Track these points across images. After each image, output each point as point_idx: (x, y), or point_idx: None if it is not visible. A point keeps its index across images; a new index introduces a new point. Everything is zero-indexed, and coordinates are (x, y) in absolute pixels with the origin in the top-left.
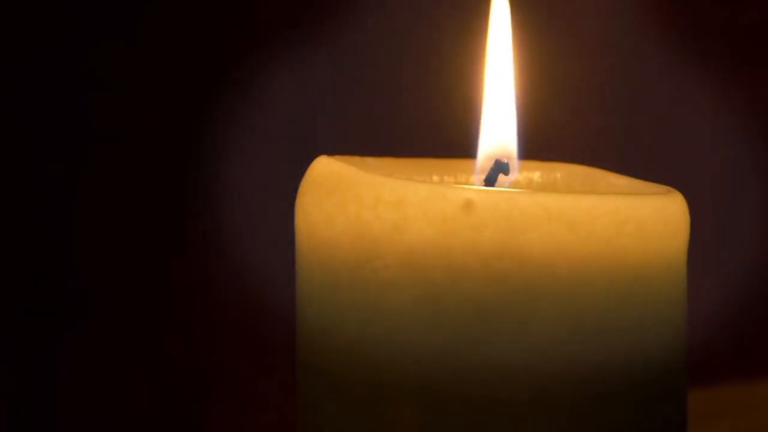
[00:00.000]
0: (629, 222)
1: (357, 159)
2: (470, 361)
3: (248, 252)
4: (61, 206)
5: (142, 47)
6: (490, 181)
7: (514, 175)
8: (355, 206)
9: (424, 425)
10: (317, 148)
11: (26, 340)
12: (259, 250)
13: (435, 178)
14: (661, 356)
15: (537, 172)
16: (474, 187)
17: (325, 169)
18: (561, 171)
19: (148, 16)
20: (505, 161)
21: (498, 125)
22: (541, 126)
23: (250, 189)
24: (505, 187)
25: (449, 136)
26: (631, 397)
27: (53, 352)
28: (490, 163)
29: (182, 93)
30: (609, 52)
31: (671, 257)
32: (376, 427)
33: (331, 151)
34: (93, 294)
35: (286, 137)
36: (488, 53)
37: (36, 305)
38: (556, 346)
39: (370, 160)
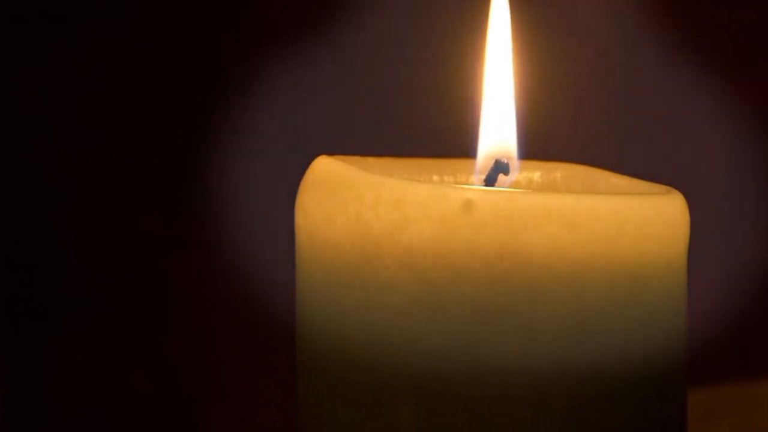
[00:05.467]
0: (629, 222)
1: (357, 159)
2: (470, 361)
3: (248, 252)
4: (61, 206)
5: (142, 47)
6: (490, 181)
7: (514, 175)
8: (355, 206)
9: (424, 425)
10: (317, 148)
11: (25, 339)
12: (259, 250)
13: (435, 178)
14: (661, 356)
15: (537, 172)
16: (474, 187)
17: (325, 169)
18: (561, 171)
19: (148, 16)
20: (505, 161)
21: (498, 125)
22: (541, 126)
23: (250, 189)
24: (505, 187)
25: (449, 136)
26: (631, 397)
27: (53, 352)
28: (490, 163)
29: (182, 93)
30: (609, 52)
31: (671, 257)
32: (376, 427)
33: (331, 151)
34: (93, 294)
35: (286, 137)
36: (487, 53)
37: (35, 305)
38: (556, 346)
39: (370, 160)
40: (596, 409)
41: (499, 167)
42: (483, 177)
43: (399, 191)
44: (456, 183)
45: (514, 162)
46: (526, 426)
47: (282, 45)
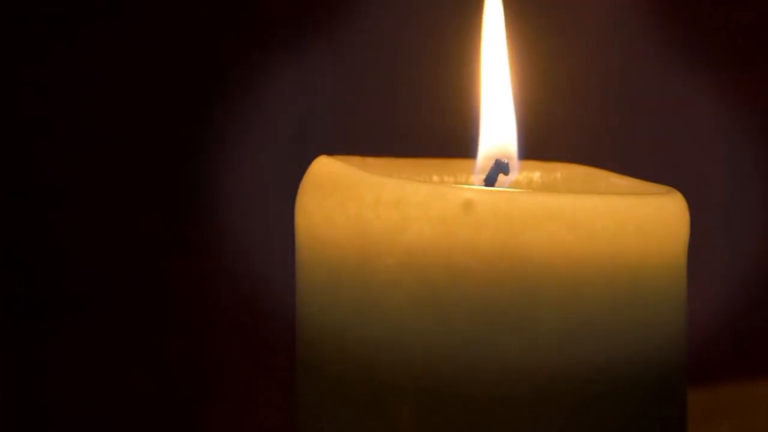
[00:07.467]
0: (629, 222)
1: (357, 159)
2: (470, 361)
3: (248, 252)
4: (61, 206)
5: (142, 47)
6: (490, 181)
7: (514, 175)
8: (355, 206)
9: (424, 425)
10: (317, 148)
11: (25, 339)
12: (259, 250)
13: (435, 178)
14: (661, 356)
15: (537, 172)
16: (474, 187)
17: (325, 169)
18: (561, 171)
19: (148, 15)
20: (505, 161)
21: (498, 125)
22: (541, 126)
23: (250, 189)
24: (505, 187)
25: (449, 136)
26: (631, 397)
27: (53, 352)
28: (490, 163)
29: (182, 93)
30: (608, 52)
31: (671, 257)
32: (376, 427)
33: (331, 151)
34: (93, 294)
35: (286, 137)
36: (483, 53)
37: (35, 305)
38: (556, 346)
39: (370, 160)
40: (596, 409)
41: (499, 167)
42: (483, 177)
43: (399, 191)
44: (456, 183)
45: (514, 162)
46: (526, 426)
47: (282, 45)
